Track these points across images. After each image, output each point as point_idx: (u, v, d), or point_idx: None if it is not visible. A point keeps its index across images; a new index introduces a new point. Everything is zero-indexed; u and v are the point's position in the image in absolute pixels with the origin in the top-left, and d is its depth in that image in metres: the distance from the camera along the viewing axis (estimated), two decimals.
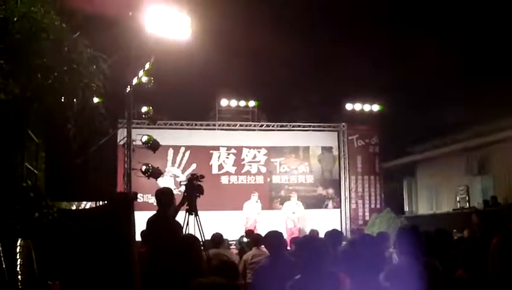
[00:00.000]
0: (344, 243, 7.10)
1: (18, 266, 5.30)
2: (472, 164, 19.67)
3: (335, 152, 20.42)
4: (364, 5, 18.97)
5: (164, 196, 6.83)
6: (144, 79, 14.58)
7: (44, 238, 6.24)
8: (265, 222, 17.05)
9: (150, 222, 6.70)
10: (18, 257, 5.33)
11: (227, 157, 19.56)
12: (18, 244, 5.42)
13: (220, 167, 19.45)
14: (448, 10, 18.70)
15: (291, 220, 17.88)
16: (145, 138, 15.36)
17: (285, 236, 15.98)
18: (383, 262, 3.30)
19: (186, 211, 7.81)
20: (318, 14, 19.22)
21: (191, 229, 7.17)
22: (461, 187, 19.79)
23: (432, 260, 4.75)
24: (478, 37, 18.72)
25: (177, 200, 7.34)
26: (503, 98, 16.98)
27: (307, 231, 14.69)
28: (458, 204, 19.47)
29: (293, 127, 20.25)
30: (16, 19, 6.57)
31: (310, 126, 20.36)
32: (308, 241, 4.62)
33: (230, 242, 12.80)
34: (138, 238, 9.38)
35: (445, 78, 19.57)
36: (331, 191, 20.17)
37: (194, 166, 18.70)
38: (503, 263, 3.22)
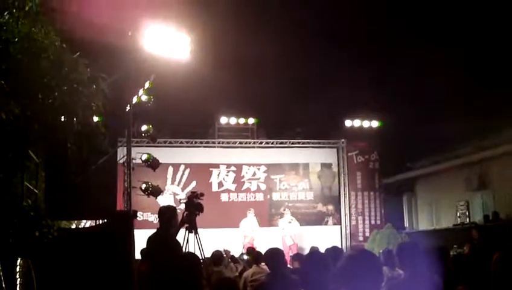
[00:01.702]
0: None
1: (18, 286, 5.30)
2: (472, 179, 19.63)
3: (334, 168, 20.42)
4: (364, 23, 19.11)
5: (166, 213, 6.83)
6: (144, 98, 14.65)
7: (45, 257, 6.24)
8: (264, 239, 17.03)
9: (151, 239, 6.69)
10: (18, 276, 5.34)
11: (227, 175, 19.57)
12: (18, 263, 5.43)
13: (220, 184, 19.45)
14: (445, 26, 18.82)
15: (288, 237, 17.86)
16: (144, 157, 15.38)
17: (285, 253, 16.05)
18: (382, 278, 3.31)
19: (186, 228, 7.82)
20: (317, 32, 19.33)
21: (191, 246, 7.16)
22: (461, 202, 19.74)
23: (433, 276, 4.76)
24: (476, 52, 18.81)
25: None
26: (502, 112, 17.03)
27: (306, 248, 14.67)
28: (459, 219, 19.42)
29: (292, 144, 20.27)
30: (16, 39, 6.62)
31: (309, 143, 20.39)
32: (312, 258, 4.63)
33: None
34: (138, 256, 9.39)
35: (444, 94, 19.63)
36: (331, 207, 20.14)
37: (194, 184, 18.70)
38: (504, 279, 3.23)
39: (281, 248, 16.24)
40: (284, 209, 18.85)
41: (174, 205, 7.30)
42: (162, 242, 6.58)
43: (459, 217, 19.53)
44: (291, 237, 17.88)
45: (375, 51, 20.49)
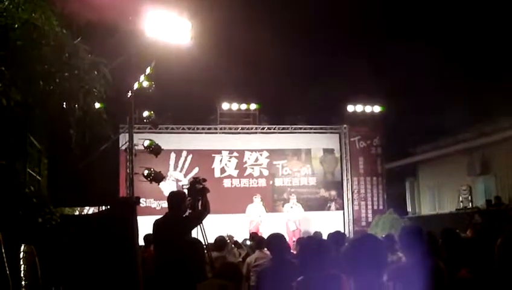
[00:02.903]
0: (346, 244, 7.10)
1: (22, 272, 5.31)
2: (474, 164, 19.66)
3: (337, 154, 20.40)
4: (365, 9, 19.02)
5: (176, 198, 6.83)
6: (145, 84, 14.58)
7: (48, 244, 6.25)
8: (268, 225, 17.06)
9: (159, 223, 6.70)
10: (22, 262, 5.34)
11: (230, 161, 19.57)
12: (21, 250, 5.43)
13: (222, 170, 19.45)
14: (448, 13, 18.73)
15: (292, 222, 17.88)
16: (147, 143, 15.35)
17: (288, 238, 16.10)
18: (386, 262, 3.30)
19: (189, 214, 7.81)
20: (319, 18, 19.27)
21: (194, 232, 7.16)
22: (464, 187, 19.76)
23: (436, 260, 4.76)
24: (479, 37, 18.74)
25: None
26: (504, 98, 16.99)
27: (310, 233, 14.70)
28: (461, 204, 19.44)
29: (294, 129, 20.25)
30: (16, 25, 6.58)
31: (311, 128, 20.36)
32: (310, 243, 4.63)
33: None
34: (141, 242, 9.40)
35: (447, 79, 19.59)
36: (333, 193, 20.15)
37: (196, 170, 18.71)
38: (508, 263, 3.23)
39: (286, 233, 16.40)
40: (290, 195, 18.82)
41: (183, 190, 7.28)
42: (170, 226, 6.59)
43: (462, 201, 19.56)
44: (294, 222, 17.89)
45: (377, 36, 20.41)
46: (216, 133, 19.89)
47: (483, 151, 19.34)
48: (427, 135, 22.20)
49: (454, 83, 19.47)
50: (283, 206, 18.93)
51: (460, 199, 19.74)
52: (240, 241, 13.31)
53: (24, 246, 5.50)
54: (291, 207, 18.19)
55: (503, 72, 18.06)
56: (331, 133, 20.64)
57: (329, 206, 20.08)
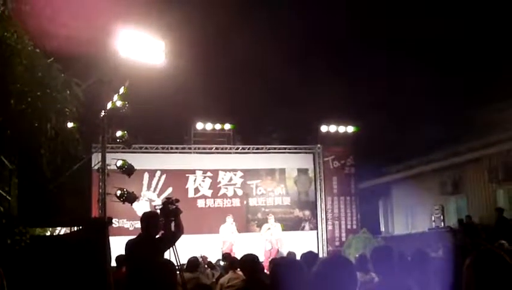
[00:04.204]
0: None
1: None
2: (446, 184, 19.87)
3: (311, 174, 20.47)
4: (339, 29, 19.25)
5: (149, 219, 6.76)
6: (119, 103, 14.52)
7: (17, 265, 6.14)
8: (242, 245, 16.96)
9: (131, 244, 6.62)
10: None
11: (204, 181, 19.50)
12: None
13: (196, 190, 19.37)
14: (421, 31, 19.05)
15: (269, 242, 17.80)
16: (119, 163, 15.24)
17: (263, 259, 16.04)
18: (355, 283, 3.32)
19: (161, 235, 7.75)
20: (293, 39, 19.45)
21: (167, 253, 7.11)
22: (436, 207, 19.96)
23: (406, 279, 4.79)
24: (451, 57, 19.07)
25: None
26: (475, 119, 17.29)
27: (284, 253, 14.69)
28: (433, 223, 19.62)
29: (268, 149, 20.29)
30: None
31: (285, 148, 20.43)
32: (283, 263, 4.64)
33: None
34: (113, 263, 9.29)
35: (419, 99, 19.86)
36: (307, 212, 20.19)
37: (170, 190, 18.60)
38: (477, 284, 3.25)
39: (262, 253, 16.34)
40: (268, 215, 18.74)
41: (157, 211, 7.22)
42: (143, 247, 6.52)
43: (434, 221, 19.73)
44: (271, 242, 17.81)
45: (351, 56, 20.65)
46: (190, 153, 19.83)
47: (455, 171, 19.58)
48: (400, 155, 22.42)
49: (427, 103, 19.75)
50: (258, 226, 18.88)
51: (433, 218, 19.92)
52: (214, 261, 13.25)
53: None
54: (269, 228, 18.05)
55: (474, 94, 18.39)
56: (305, 153, 20.73)
57: (304, 226, 20.09)
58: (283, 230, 18.59)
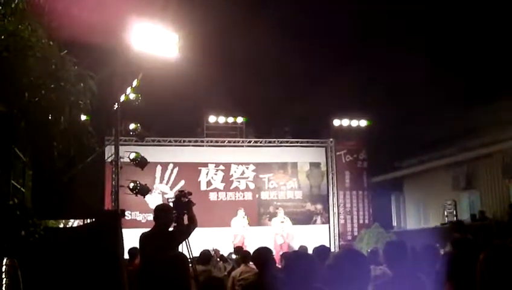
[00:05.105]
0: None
1: (3, 286, 5.25)
2: (459, 179, 19.75)
3: (323, 168, 20.44)
4: (352, 22, 19.15)
5: (160, 212, 6.76)
6: (132, 96, 14.56)
7: (31, 257, 6.19)
8: (254, 238, 16.99)
9: (144, 237, 6.64)
10: (4, 276, 5.28)
11: (216, 174, 19.53)
12: (4, 263, 5.37)
13: (209, 183, 19.41)
14: (435, 26, 18.90)
15: (280, 236, 17.83)
16: (133, 155, 15.29)
17: (274, 252, 16.05)
18: (368, 276, 3.31)
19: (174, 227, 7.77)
20: (306, 31, 19.38)
21: (179, 246, 7.12)
22: (449, 202, 19.86)
23: (418, 273, 4.77)
24: (463, 52, 18.91)
25: None
26: (489, 113, 17.15)
27: (296, 247, 14.69)
28: (446, 219, 19.52)
29: (281, 143, 20.27)
30: (2, 37, 6.56)
31: (297, 142, 20.40)
32: (295, 257, 4.63)
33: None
34: (126, 255, 9.34)
35: (432, 94, 19.73)
36: (319, 206, 20.17)
37: (182, 183, 18.65)
38: (490, 279, 3.23)
39: (273, 247, 16.35)
40: (277, 208, 18.80)
41: (169, 204, 7.22)
42: (157, 240, 6.53)
43: (447, 216, 19.64)
44: (282, 236, 17.84)
45: (364, 50, 20.54)
46: (202, 146, 19.86)
47: (468, 166, 19.45)
48: (412, 149, 22.31)
49: (440, 98, 19.63)
50: (269, 220, 18.91)
51: (445, 213, 19.82)
52: (226, 254, 13.28)
53: (6, 259, 5.44)
54: (282, 221, 18.11)
55: (487, 88, 18.24)
56: (317, 147, 20.69)
57: (315, 220, 20.08)
58: (294, 224, 18.61)
